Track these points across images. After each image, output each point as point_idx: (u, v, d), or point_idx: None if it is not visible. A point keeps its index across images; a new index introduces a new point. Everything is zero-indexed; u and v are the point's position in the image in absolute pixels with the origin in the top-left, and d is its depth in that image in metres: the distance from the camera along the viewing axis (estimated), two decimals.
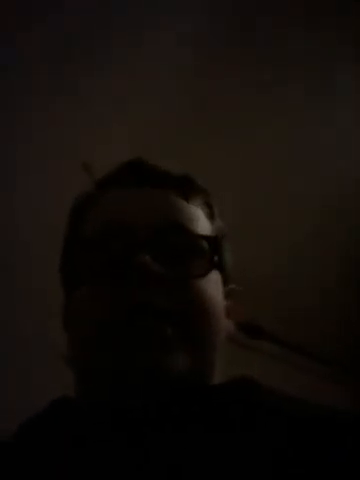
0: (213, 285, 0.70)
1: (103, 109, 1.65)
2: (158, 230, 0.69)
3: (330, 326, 2.14)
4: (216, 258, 0.70)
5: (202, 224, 0.74)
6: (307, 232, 1.97)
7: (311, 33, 1.57)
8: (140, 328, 0.63)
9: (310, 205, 1.92)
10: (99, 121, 1.67)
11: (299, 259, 2.04)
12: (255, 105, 1.69)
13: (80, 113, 1.65)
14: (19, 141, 1.67)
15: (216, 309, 0.69)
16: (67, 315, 0.73)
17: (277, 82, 1.65)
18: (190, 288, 0.67)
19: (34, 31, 1.51)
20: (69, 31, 1.52)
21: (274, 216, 1.92)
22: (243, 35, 1.58)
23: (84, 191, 0.79)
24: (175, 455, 0.56)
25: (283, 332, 2.15)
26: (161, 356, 0.62)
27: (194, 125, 1.72)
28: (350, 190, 1.89)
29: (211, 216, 0.77)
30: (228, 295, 0.75)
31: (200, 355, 0.66)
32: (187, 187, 0.76)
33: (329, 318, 2.12)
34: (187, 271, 0.68)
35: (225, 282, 0.75)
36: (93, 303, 0.66)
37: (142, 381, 0.62)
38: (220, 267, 0.72)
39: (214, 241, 0.71)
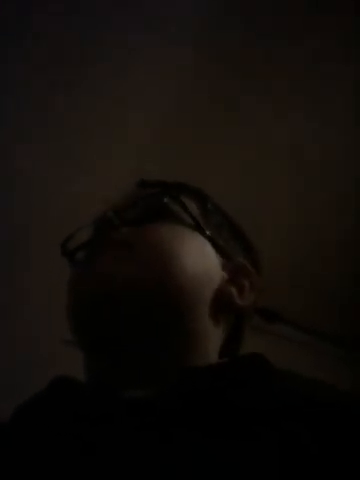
0: (186, 251, 0.67)
1: (103, 110, 1.66)
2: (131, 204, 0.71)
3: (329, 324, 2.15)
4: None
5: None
6: (307, 230, 1.97)
7: (312, 35, 1.57)
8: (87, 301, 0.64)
9: (310, 204, 1.92)
10: (99, 122, 1.67)
11: (299, 257, 2.04)
12: (253, 106, 1.69)
13: (80, 113, 1.66)
14: (19, 141, 1.67)
15: (180, 275, 0.65)
16: None
17: (276, 82, 1.66)
18: (142, 254, 0.65)
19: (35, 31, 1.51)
20: (69, 30, 1.53)
21: (274, 215, 1.92)
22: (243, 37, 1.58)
23: None
24: (168, 441, 0.53)
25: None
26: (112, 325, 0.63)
27: (194, 125, 1.72)
28: (350, 189, 1.89)
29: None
30: (235, 271, 0.70)
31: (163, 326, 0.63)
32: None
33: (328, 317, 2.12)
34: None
35: (224, 255, 0.71)
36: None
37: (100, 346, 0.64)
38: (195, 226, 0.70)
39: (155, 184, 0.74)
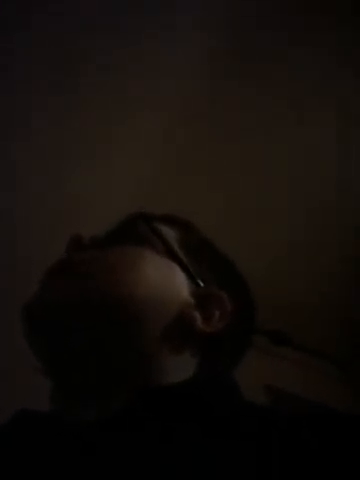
0: (147, 269, 0.67)
1: (102, 109, 1.66)
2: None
3: (330, 326, 2.14)
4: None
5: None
6: (307, 232, 1.97)
7: (311, 34, 1.57)
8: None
9: (310, 205, 1.92)
10: (99, 121, 1.67)
11: (299, 259, 2.04)
12: (256, 106, 1.69)
13: (80, 113, 1.66)
14: (19, 141, 1.67)
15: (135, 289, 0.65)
16: None
17: (277, 83, 1.66)
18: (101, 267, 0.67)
19: (34, 31, 1.51)
20: (69, 30, 1.53)
21: (273, 215, 1.92)
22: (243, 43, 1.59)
23: None
24: (126, 461, 0.53)
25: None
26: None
27: (194, 124, 1.72)
28: (350, 189, 1.89)
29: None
30: (204, 298, 0.69)
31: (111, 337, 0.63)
32: None
33: (329, 318, 2.12)
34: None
35: (196, 282, 0.69)
36: None
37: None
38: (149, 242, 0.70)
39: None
